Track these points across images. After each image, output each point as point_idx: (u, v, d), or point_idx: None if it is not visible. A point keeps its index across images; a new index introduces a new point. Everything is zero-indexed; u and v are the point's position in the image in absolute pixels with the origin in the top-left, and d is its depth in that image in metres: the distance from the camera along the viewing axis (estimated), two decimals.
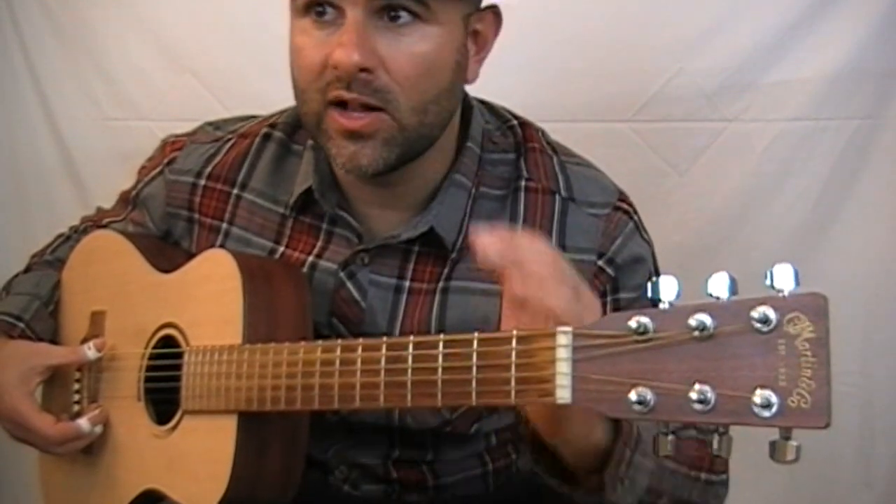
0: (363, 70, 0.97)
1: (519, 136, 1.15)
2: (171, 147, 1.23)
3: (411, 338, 0.84)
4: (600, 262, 1.08)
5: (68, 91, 1.84)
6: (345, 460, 1.15)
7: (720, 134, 1.62)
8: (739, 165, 1.62)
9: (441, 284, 1.09)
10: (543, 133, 1.17)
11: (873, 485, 1.63)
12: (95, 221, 1.34)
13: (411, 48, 0.98)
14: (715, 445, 0.69)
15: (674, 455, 0.91)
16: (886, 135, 1.58)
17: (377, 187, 1.08)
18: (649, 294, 0.70)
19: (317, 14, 0.99)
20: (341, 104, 0.99)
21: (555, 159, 1.13)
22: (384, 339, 0.86)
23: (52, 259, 1.33)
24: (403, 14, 0.98)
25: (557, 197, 1.10)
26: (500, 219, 1.10)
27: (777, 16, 1.57)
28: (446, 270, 1.09)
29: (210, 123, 1.26)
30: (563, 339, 0.73)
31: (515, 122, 1.17)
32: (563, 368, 0.72)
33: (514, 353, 0.76)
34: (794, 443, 0.65)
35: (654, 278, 1.12)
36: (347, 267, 1.11)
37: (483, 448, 1.17)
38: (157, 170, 1.23)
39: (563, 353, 0.73)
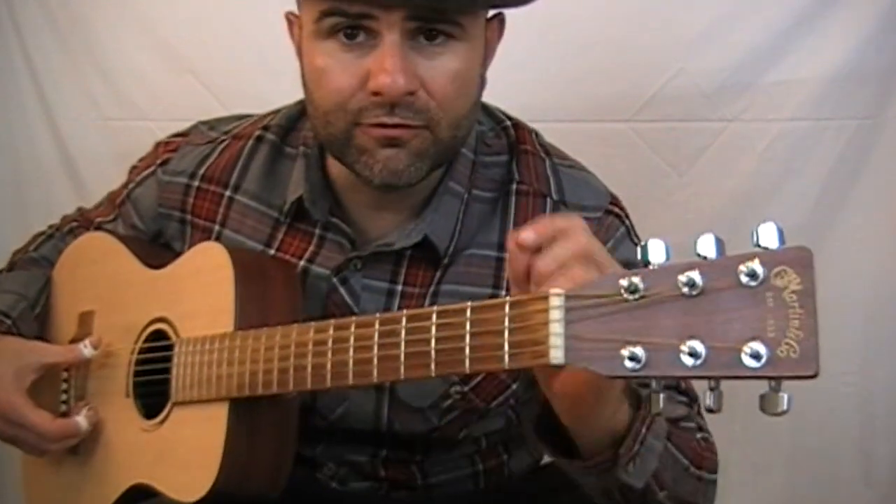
0: (407, 94, 0.96)
1: (512, 137, 1.14)
2: (165, 148, 1.23)
3: (404, 312, 0.84)
4: None
5: (68, 91, 1.84)
6: (333, 458, 1.15)
7: (720, 134, 1.62)
8: (739, 165, 1.62)
9: (432, 289, 1.08)
10: (537, 135, 1.16)
11: (873, 484, 1.63)
12: (81, 223, 1.33)
13: (447, 66, 0.98)
14: (708, 402, 0.69)
15: (675, 443, 0.93)
16: (886, 135, 1.58)
17: (376, 192, 1.07)
18: (638, 257, 0.71)
19: (346, 37, 0.98)
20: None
21: (547, 162, 1.13)
22: (377, 315, 0.87)
23: (37, 257, 1.32)
24: (439, 35, 0.97)
25: (548, 200, 1.10)
26: (492, 222, 1.10)
27: (777, 16, 1.57)
28: (438, 275, 1.08)
29: (204, 122, 1.25)
30: (556, 301, 0.74)
31: (509, 122, 1.16)
32: (557, 329, 0.73)
33: (507, 319, 0.76)
34: (784, 394, 0.65)
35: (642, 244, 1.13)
36: (340, 272, 1.10)
37: (473, 451, 1.17)
38: (150, 170, 1.23)
39: (556, 315, 0.73)
